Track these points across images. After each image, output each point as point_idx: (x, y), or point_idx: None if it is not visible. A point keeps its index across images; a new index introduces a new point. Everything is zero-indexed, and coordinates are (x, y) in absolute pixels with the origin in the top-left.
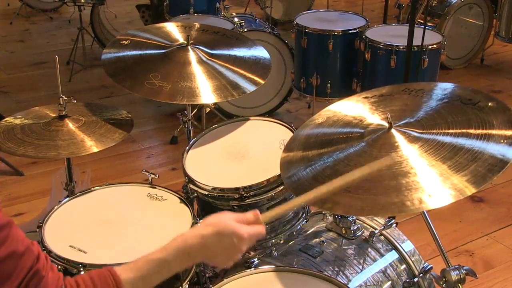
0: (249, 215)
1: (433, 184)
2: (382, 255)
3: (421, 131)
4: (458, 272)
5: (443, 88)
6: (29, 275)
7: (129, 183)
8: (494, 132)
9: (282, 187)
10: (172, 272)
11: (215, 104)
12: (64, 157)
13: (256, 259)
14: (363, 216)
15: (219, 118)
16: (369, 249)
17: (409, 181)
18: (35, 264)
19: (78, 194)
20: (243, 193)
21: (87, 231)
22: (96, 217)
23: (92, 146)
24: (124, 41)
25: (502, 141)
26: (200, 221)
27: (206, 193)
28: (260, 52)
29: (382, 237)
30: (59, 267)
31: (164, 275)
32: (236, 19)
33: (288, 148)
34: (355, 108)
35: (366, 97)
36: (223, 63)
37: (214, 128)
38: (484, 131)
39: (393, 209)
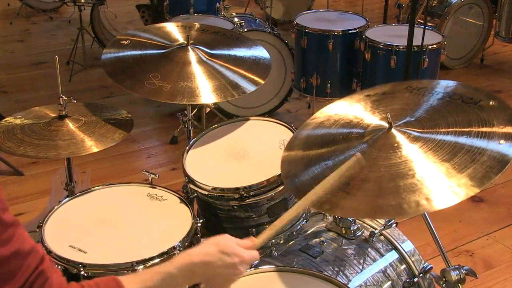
0: (246, 241)
1: (431, 186)
2: (382, 255)
3: (421, 130)
4: (458, 272)
5: (445, 86)
6: (34, 275)
7: (129, 183)
8: (494, 132)
9: (282, 187)
10: (175, 287)
11: (215, 104)
12: (64, 157)
13: None
14: (361, 218)
15: (219, 118)
16: (369, 249)
17: (407, 183)
18: (40, 264)
19: (78, 194)
20: (243, 193)
21: (87, 231)
22: (96, 217)
23: (92, 146)
24: (124, 41)
25: (502, 141)
26: (203, 240)
27: (206, 193)
28: (260, 52)
29: (382, 237)
30: (59, 267)
31: None
32: (236, 19)
33: (288, 148)
34: (356, 107)
35: (368, 95)
36: (223, 63)
37: (214, 128)
38: (485, 131)
39: (390, 212)
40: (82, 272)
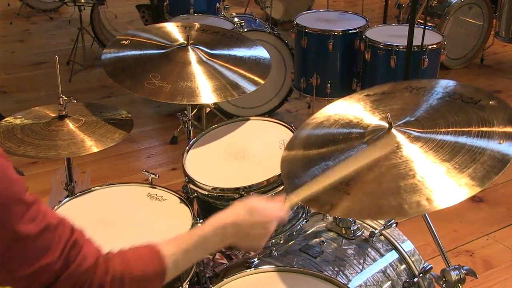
0: (276, 200)
1: (432, 186)
2: (382, 255)
3: (422, 130)
4: (458, 272)
5: (445, 85)
6: (69, 245)
7: (129, 183)
8: (494, 131)
9: (282, 187)
10: (208, 250)
11: (215, 104)
12: (64, 157)
13: (256, 259)
14: (362, 219)
15: (219, 118)
16: (369, 249)
17: (408, 183)
18: (72, 235)
19: (78, 194)
20: (243, 193)
21: (87, 231)
22: (96, 217)
23: (92, 146)
24: (124, 41)
25: (502, 141)
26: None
27: (206, 193)
28: (260, 52)
29: (382, 237)
30: None
31: (202, 252)
32: (236, 19)
33: (288, 147)
34: (356, 107)
35: (367, 95)
36: (223, 63)
37: (214, 128)
38: (485, 130)
39: (391, 212)
40: None
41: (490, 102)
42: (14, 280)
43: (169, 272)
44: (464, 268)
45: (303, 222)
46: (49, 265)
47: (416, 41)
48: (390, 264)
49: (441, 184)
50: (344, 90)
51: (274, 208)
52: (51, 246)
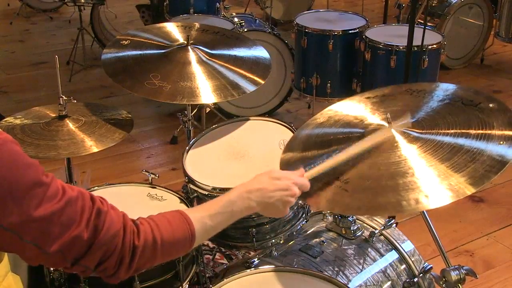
0: (296, 171)
1: (430, 184)
2: (382, 255)
3: (421, 131)
4: (458, 272)
5: (445, 89)
6: (93, 214)
7: (129, 183)
8: (493, 133)
9: None
10: (235, 214)
11: (215, 104)
12: (64, 157)
13: (256, 259)
14: (360, 215)
15: (219, 118)
16: (369, 249)
17: (406, 181)
18: (93, 204)
19: None
20: None
21: None
22: None
23: (92, 146)
24: (124, 41)
25: (501, 142)
26: None
27: (206, 193)
28: (260, 52)
29: (382, 237)
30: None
31: (229, 217)
32: (236, 19)
33: (288, 148)
34: (356, 108)
35: (368, 97)
36: (223, 63)
37: (214, 128)
38: (484, 132)
39: (389, 209)
40: None
41: (490, 105)
42: (48, 256)
43: (198, 235)
44: (464, 268)
45: (303, 222)
46: (77, 236)
47: (416, 41)
48: (390, 264)
49: (440, 182)
50: (344, 90)
51: (295, 175)
52: (75, 219)
